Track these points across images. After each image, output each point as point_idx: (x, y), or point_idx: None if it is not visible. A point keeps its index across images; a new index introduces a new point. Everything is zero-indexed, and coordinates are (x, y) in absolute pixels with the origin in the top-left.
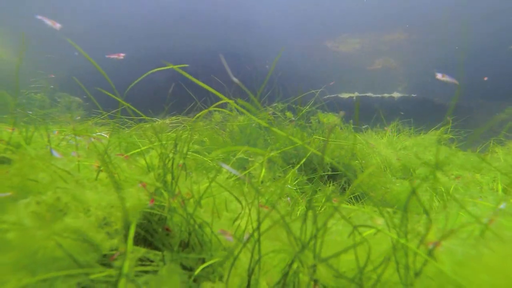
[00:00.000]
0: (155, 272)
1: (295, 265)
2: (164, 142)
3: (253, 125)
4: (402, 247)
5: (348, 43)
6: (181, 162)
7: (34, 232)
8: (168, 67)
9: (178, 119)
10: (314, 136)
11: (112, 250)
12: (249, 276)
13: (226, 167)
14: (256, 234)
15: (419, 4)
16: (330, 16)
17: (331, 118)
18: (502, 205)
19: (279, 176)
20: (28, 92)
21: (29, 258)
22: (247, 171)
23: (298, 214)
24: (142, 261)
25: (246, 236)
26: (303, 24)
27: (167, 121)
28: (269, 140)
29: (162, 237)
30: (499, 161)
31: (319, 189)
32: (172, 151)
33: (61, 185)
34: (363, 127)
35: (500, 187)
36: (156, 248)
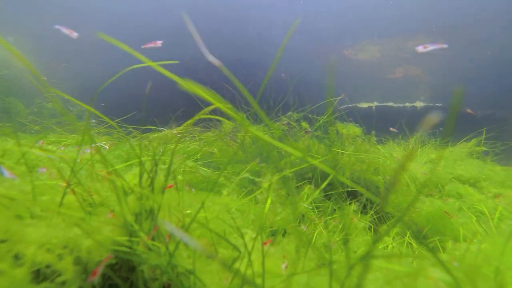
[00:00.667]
0: None
1: None
2: (151, 157)
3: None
4: None
5: (367, 51)
6: (171, 182)
7: None
8: (148, 63)
9: (187, 128)
10: (332, 149)
11: None
12: None
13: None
14: None
15: (445, 8)
16: (349, 23)
17: (351, 129)
18: None
19: (293, 193)
20: (40, 101)
21: None
22: (255, 194)
23: (314, 239)
24: None
25: None
26: (320, 32)
27: (174, 131)
28: (283, 153)
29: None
30: None
31: (338, 207)
32: (163, 167)
33: None
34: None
35: None
36: None
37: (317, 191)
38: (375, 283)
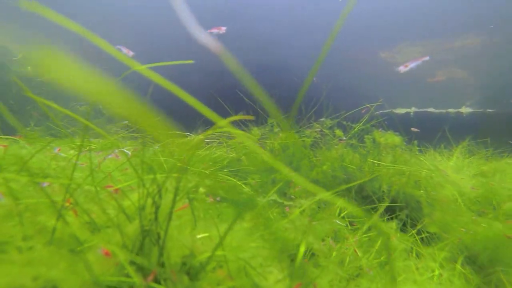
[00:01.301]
0: None
1: None
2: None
3: (298, 143)
4: None
5: (406, 53)
6: (185, 202)
7: None
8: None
9: (214, 134)
10: (368, 159)
11: None
12: None
13: None
14: None
15: (497, 6)
16: (386, 24)
17: (390, 138)
18: None
19: (324, 206)
20: (74, 104)
21: None
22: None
23: (347, 261)
24: None
25: None
26: (355, 35)
27: (202, 136)
28: (314, 161)
29: None
30: None
31: (373, 223)
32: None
33: None
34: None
35: None
36: None
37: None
38: None
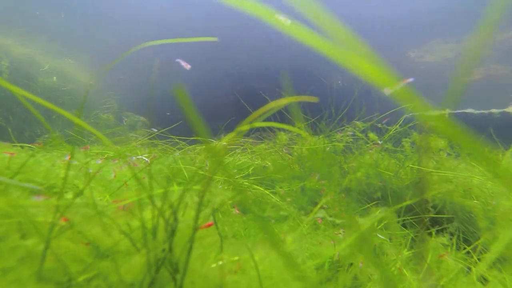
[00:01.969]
0: None
1: None
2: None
3: (327, 148)
4: None
5: (437, 52)
6: (209, 219)
7: None
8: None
9: (237, 140)
10: (406, 164)
11: None
12: None
13: None
14: None
15: None
16: (416, 21)
17: (433, 141)
18: None
19: (360, 216)
20: (97, 112)
21: None
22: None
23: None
24: None
25: None
26: (380, 34)
27: (224, 142)
28: (346, 168)
29: None
30: None
31: (417, 236)
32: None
33: None
34: None
35: None
36: None
37: (389, 215)
38: None
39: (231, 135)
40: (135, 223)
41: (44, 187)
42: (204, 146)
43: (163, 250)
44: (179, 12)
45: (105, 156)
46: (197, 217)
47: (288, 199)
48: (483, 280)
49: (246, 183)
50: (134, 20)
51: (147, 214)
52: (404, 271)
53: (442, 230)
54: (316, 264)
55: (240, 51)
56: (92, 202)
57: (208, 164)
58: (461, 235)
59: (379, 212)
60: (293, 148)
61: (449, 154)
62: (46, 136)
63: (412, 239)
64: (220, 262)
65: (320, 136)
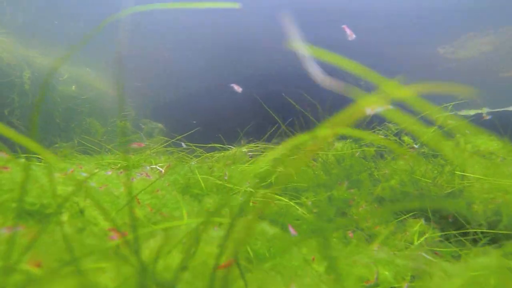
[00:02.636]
0: None
1: None
2: None
3: (357, 154)
4: None
5: (470, 46)
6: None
7: None
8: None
9: (258, 146)
10: (446, 170)
11: None
12: None
13: None
14: None
15: None
16: (446, 14)
17: (483, 143)
18: None
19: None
20: (114, 120)
21: None
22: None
23: None
24: None
25: None
26: (409, 29)
27: (244, 149)
28: (377, 175)
29: None
30: None
31: (465, 252)
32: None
33: None
34: None
35: None
36: None
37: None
38: None
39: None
40: (145, 252)
41: (36, 208)
42: (222, 153)
43: None
44: (196, 16)
45: (118, 165)
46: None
47: (315, 210)
48: None
49: (269, 193)
50: (150, 26)
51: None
52: None
53: (498, 247)
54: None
55: (258, 53)
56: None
57: (227, 174)
58: None
59: (419, 226)
60: (317, 153)
61: (503, 159)
62: (57, 145)
63: (461, 257)
64: None
65: (347, 141)
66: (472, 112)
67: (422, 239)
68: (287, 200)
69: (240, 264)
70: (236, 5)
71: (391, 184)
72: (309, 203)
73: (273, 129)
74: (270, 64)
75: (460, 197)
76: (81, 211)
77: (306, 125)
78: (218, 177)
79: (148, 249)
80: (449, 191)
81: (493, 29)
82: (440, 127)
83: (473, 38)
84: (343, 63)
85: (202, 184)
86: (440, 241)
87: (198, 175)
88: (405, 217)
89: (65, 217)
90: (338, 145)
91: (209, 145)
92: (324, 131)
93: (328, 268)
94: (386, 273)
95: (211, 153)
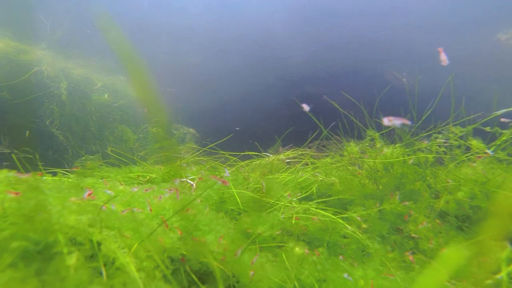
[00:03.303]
0: None
1: None
2: None
3: (410, 161)
4: None
5: None
6: None
7: None
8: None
9: (296, 152)
10: None
11: None
12: None
13: None
14: None
15: None
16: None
17: None
18: None
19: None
20: (145, 127)
21: None
22: None
23: None
24: None
25: None
26: (464, 15)
27: (282, 156)
28: (434, 185)
29: None
30: None
31: None
32: None
33: None
34: None
35: None
36: None
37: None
38: None
39: None
40: None
41: (40, 247)
42: (258, 161)
43: None
44: (227, 19)
45: (147, 177)
46: None
47: (364, 226)
48: None
49: (312, 207)
50: (182, 31)
51: None
52: None
53: None
54: None
55: (291, 53)
56: None
57: (264, 185)
58: None
59: (507, 252)
60: (363, 161)
61: None
62: (83, 158)
63: None
64: None
65: (397, 146)
66: None
67: (510, 268)
68: (332, 216)
69: None
70: None
71: (457, 197)
72: (358, 218)
73: (314, 134)
74: (302, 66)
75: None
76: (99, 244)
77: (351, 130)
78: (254, 189)
79: None
80: None
81: None
82: None
83: None
84: None
85: (238, 199)
86: None
87: (234, 190)
88: (479, 238)
89: (72, 259)
90: (388, 150)
91: (244, 153)
92: None
93: None
94: None
95: (246, 161)
